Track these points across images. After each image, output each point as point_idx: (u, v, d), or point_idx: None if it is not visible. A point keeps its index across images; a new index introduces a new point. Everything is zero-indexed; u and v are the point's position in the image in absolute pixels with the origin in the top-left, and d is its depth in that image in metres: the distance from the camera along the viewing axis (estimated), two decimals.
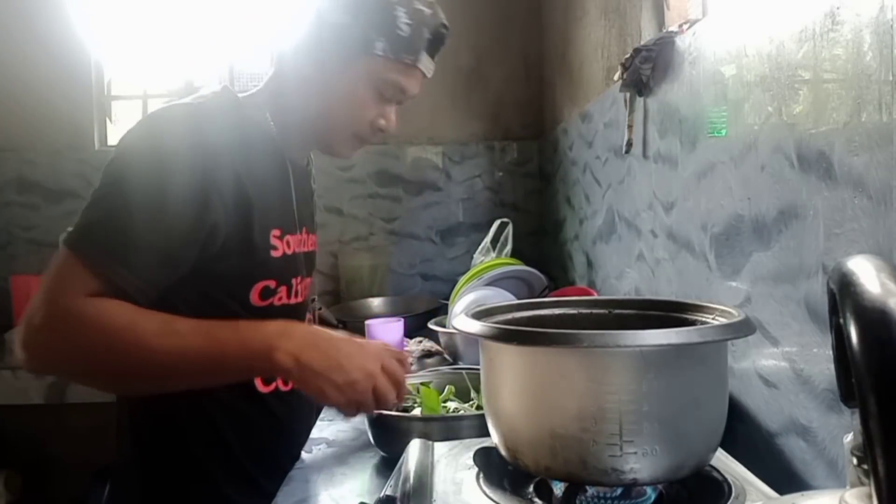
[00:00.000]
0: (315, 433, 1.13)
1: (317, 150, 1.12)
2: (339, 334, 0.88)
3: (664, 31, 1.33)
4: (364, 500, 0.79)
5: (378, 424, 0.98)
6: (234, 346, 0.83)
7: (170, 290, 0.88)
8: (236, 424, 1.00)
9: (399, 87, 1.00)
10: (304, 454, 1.03)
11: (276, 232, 0.98)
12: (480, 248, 2.10)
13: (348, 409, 0.86)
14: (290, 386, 1.02)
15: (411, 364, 0.95)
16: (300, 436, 1.09)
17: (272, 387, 1.03)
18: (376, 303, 2.38)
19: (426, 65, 1.01)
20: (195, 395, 0.94)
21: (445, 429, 0.94)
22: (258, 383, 1.01)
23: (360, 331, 1.44)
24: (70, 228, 0.85)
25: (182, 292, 0.90)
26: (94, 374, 0.86)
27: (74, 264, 0.82)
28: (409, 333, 1.71)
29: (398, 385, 0.88)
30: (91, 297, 0.80)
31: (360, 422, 1.19)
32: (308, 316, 1.14)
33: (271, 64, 1.06)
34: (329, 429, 1.15)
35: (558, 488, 0.71)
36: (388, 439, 0.97)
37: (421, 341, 1.68)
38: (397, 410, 0.97)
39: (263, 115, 1.01)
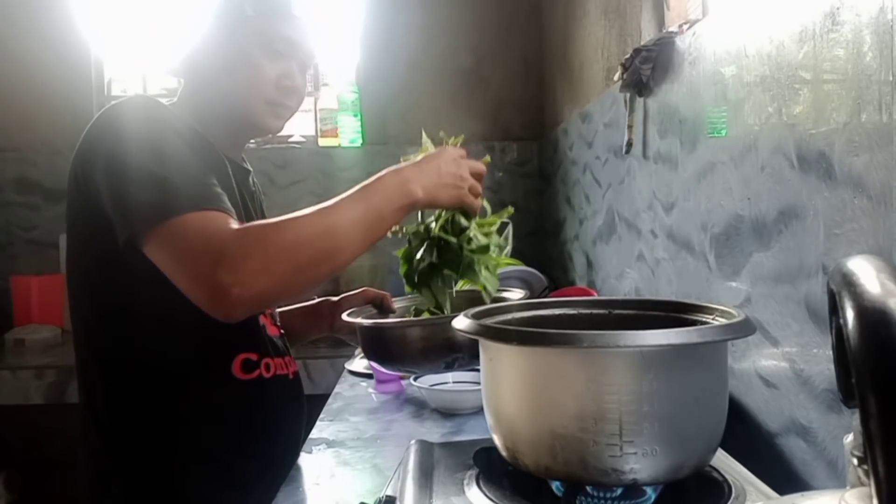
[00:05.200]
0: (315, 433, 1.13)
1: (247, 136, 1.11)
2: (423, 156, 0.98)
3: (664, 31, 1.33)
4: (364, 500, 0.79)
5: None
6: (381, 197, 0.90)
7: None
8: (211, 415, 0.97)
9: (286, 39, 1.02)
10: (303, 454, 1.03)
11: (229, 204, 0.97)
12: None
13: (460, 203, 0.98)
14: (271, 373, 1.02)
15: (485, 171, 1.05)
16: (289, 431, 1.07)
17: (254, 374, 1.00)
18: None
19: (300, 9, 1.04)
20: (167, 390, 0.95)
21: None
22: (236, 370, 0.98)
23: None
24: (137, 212, 0.84)
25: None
26: (300, 270, 0.84)
27: (195, 219, 0.82)
28: None
29: (478, 186, 1.01)
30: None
31: (361, 421, 1.20)
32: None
33: (176, 81, 1.09)
34: (329, 429, 1.15)
35: (558, 488, 0.71)
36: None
37: None
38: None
39: (187, 118, 1.02)
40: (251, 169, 1.16)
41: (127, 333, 0.95)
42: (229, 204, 0.89)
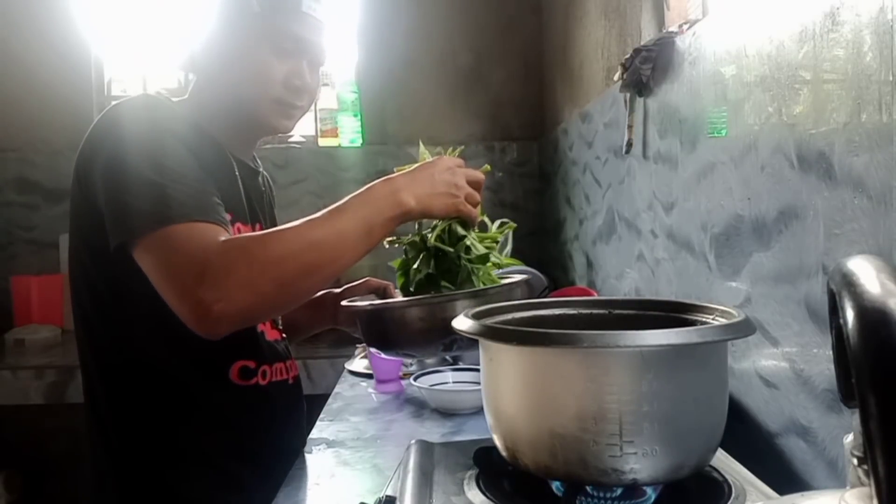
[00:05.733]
0: (315, 433, 1.13)
1: (256, 135, 1.09)
2: (417, 165, 0.96)
3: (664, 31, 1.33)
4: (364, 500, 0.79)
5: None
6: (371, 208, 0.89)
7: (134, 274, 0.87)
8: (209, 419, 0.97)
9: (295, 37, 0.99)
10: (304, 454, 1.03)
11: (225, 215, 0.95)
12: None
13: (456, 213, 0.96)
14: (267, 380, 1.01)
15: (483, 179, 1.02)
16: (288, 436, 1.07)
17: (251, 381, 1.00)
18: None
19: (311, 6, 1.00)
20: (166, 395, 0.94)
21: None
22: (234, 376, 0.98)
23: None
24: (133, 218, 0.83)
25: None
26: (284, 285, 0.82)
27: (184, 230, 0.81)
28: None
29: (476, 195, 0.99)
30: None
31: (361, 421, 1.20)
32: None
33: (184, 77, 1.07)
34: (329, 429, 1.15)
35: (558, 488, 0.71)
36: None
37: None
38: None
39: (194, 115, 1.01)
40: (261, 169, 1.15)
41: (125, 333, 0.95)
42: (224, 214, 0.87)
